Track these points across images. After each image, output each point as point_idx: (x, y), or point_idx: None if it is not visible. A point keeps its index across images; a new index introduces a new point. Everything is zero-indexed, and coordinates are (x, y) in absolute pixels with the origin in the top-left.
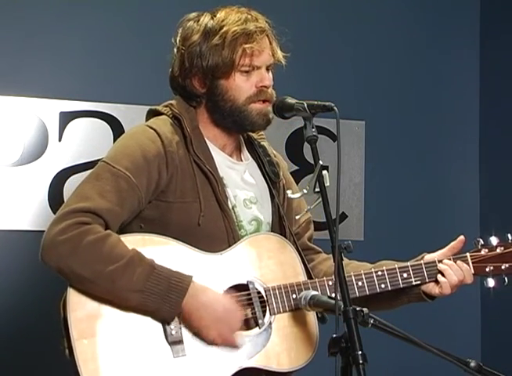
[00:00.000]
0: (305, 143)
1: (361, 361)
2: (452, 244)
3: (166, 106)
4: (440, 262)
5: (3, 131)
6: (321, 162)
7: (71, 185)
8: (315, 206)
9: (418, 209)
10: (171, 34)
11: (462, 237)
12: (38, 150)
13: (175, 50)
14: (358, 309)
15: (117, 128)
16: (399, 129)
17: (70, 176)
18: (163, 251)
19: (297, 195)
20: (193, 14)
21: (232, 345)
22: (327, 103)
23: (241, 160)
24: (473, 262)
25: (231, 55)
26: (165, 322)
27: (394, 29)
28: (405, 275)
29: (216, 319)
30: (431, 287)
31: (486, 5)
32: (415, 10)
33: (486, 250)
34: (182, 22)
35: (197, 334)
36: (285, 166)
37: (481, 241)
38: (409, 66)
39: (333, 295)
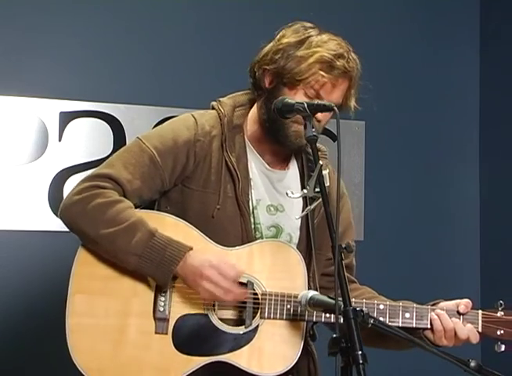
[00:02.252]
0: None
1: (361, 361)
2: (461, 303)
3: (217, 101)
4: (433, 310)
5: (3, 131)
6: (321, 162)
7: (71, 185)
8: (315, 206)
9: (418, 209)
10: (171, 34)
11: (468, 304)
12: (38, 150)
13: (273, 41)
14: (358, 308)
15: (117, 128)
16: (399, 129)
17: (70, 176)
18: (175, 234)
19: (297, 195)
20: (309, 24)
21: (232, 296)
22: (327, 103)
23: (282, 169)
24: (483, 321)
25: (305, 73)
26: (159, 296)
27: (394, 29)
28: (407, 315)
29: (205, 276)
30: (430, 334)
31: (486, 5)
32: (415, 10)
33: (503, 313)
34: (296, 23)
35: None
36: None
37: (502, 304)
38: (409, 66)
39: (333, 295)
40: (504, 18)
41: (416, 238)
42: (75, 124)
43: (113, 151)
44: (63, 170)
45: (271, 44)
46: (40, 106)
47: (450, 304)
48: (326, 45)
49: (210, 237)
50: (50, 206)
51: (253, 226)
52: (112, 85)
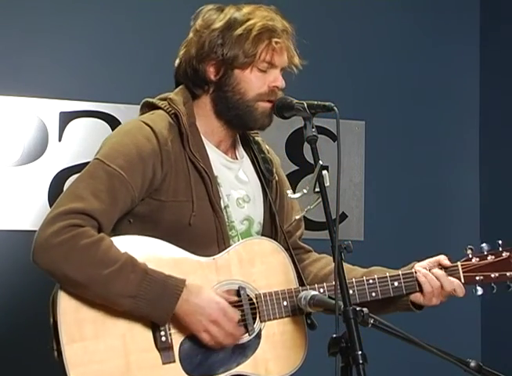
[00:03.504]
0: (305, 143)
1: (361, 361)
2: (440, 259)
3: (164, 99)
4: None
5: (3, 131)
6: (321, 162)
7: None
8: (315, 206)
9: (418, 209)
10: (171, 34)
11: (444, 257)
12: (38, 150)
13: (192, 33)
14: (358, 308)
15: None
16: (399, 129)
17: (70, 176)
18: (155, 254)
19: (298, 195)
20: (215, 5)
21: (234, 339)
22: (327, 103)
23: (236, 158)
24: (464, 272)
25: (253, 48)
26: (157, 326)
27: (394, 29)
28: (396, 284)
29: (213, 320)
30: (419, 297)
31: (486, 5)
32: (415, 10)
33: (477, 258)
34: (203, 9)
35: (193, 337)
36: (278, 162)
37: (473, 249)
38: (409, 66)
39: (333, 295)
40: (504, 17)
41: (416, 238)
42: (75, 124)
43: None
44: (63, 170)
45: (196, 36)
46: (40, 106)
47: (430, 261)
48: (256, 14)
49: (185, 245)
50: (50, 206)
51: (227, 225)
52: (112, 85)
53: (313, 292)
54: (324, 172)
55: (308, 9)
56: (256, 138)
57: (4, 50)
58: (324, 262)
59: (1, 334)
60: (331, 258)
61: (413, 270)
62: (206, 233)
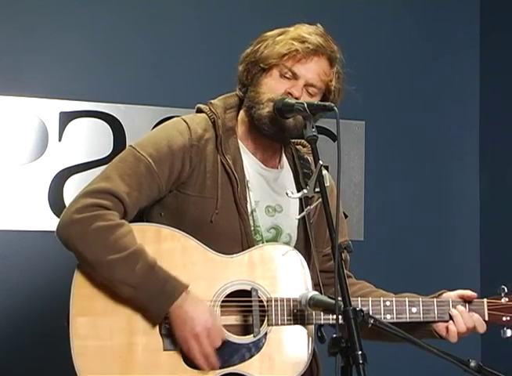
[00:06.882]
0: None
1: (361, 361)
2: (466, 294)
3: (208, 104)
4: (453, 307)
5: (3, 131)
6: (321, 162)
7: (71, 185)
8: (315, 206)
9: (418, 209)
10: (171, 34)
11: (474, 295)
12: (38, 150)
13: None
14: (358, 308)
15: (117, 128)
16: (399, 129)
17: (70, 176)
18: (173, 246)
19: (298, 195)
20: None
21: (206, 362)
22: (327, 103)
23: (276, 168)
24: (489, 309)
25: (280, 50)
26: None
27: (394, 29)
28: (414, 310)
29: (195, 333)
30: (441, 328)
31: (486, 5)
32: (415, 10)
33: (507, 299)
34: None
35: (177, 343)
36: (331, 184)
37: (505, 289)
38: (409, 66)
39: (333, 295)
40: (504, 18)
41: (416, 238)
42: (75, 124)
43: (113, 151)
44: (63, 170)
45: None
46: (40, 106)
47: (453, 295)
48: (301, 28)
49: (208, 242)
50: (50, 206)
51: (252, 229)
52: (112, 85)
53: (312, 292)
54: (324, 172)
55: (309, 9)
56: (306, 156)
57: (4, 50)
58: (358, 287)
59: (1, 334)
60: (368, 284)
61: (434, 300)
62: (228, 233)
